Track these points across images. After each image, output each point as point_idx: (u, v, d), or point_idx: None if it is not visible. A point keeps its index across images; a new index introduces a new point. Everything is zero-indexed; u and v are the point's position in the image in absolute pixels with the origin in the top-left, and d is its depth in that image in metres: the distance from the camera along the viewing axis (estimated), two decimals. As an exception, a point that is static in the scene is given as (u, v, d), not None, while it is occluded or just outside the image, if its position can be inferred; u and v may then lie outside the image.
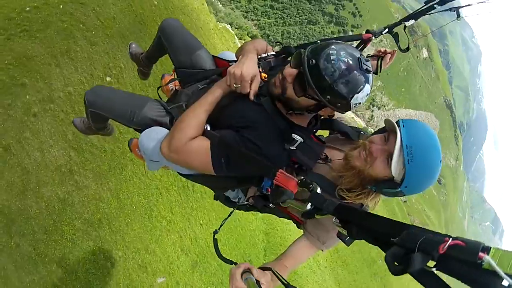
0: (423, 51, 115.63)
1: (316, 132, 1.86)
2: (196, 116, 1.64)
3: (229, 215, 1.92)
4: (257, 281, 1.27)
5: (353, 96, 1.44)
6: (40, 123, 3.95)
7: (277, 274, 1.43)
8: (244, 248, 7.91)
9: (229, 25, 18.82)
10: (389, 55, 2.14)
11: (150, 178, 5.40)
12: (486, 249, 0.70)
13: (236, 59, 2.04)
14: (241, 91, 1.68)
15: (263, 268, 1.43)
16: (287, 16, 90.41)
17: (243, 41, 11.65)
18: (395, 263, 0.83)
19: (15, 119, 3.78)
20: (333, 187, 1.65)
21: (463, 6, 2.23)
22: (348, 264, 16.02)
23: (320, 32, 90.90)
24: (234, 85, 1.66)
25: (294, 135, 1.56)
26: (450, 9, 2.25)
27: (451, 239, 0.75)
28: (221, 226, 1.77)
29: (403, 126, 1.46)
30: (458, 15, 2.27)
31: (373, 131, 1.78)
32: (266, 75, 1.76)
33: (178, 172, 1.96)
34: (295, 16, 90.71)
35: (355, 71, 1.43)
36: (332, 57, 1.41)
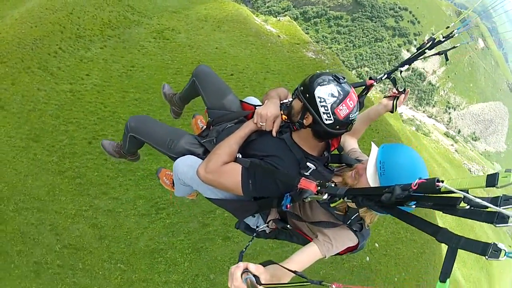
0: (479, 42, 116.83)
1: (327, 164, 2.20)
2: (229, 146, 2.07)
3: (250, 241, 2.23)
4: (256, 277, 1.39)
5: (316, 87, 1.86)
6: None
7: (281, 264, 1.68)
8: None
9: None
10: (404, 95, 2.51)
11: None
12: (441, 181, 1.12)
13: (260, 103, 2.64)
14: (266, 128, 2.13)
15: (264, 264, 1.60)
16: (355, 38, 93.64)
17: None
18: (386, 202, 1.32)
19: None
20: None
21: (450, 49, 2.79)
22: (466, 262, 22.99)
23: (388, 47, 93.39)
24: (260, 123, 2.12)
25: (308, 163, 1.99)
26: (439, 53, 2.83)
27: (418, 179, 1.21)
28: (246, 247, 2.04)
29: (382, 148, 1.84)
30: (447, 59, 2.85)
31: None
32: (286, 117, 2.14)
33: (205, 197, 2.34)
34: (362, 37, 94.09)
35: (326, 75, 1.91)
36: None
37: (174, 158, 2.45)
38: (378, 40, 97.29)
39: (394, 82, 2.76)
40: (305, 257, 1.92)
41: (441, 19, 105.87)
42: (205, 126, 2.82)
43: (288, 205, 1.85)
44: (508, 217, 0.99)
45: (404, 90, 2.62)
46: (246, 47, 18.39)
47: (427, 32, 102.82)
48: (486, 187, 1.04)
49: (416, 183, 1.21)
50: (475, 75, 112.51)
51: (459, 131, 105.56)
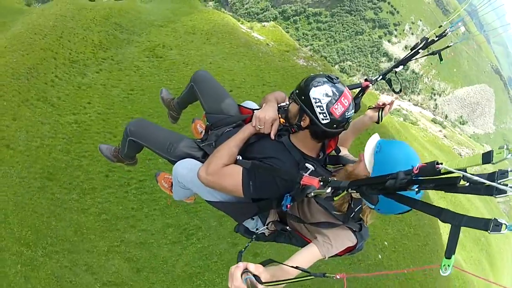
0: (460, 27, 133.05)
1: (325, 166, 2.32)
2: (229, 149, 2.15)
3: (249, 243, 2.36)
4: (256, 276, 1.39)
5: (310, 88, 1.95)
6: None
7: (282, 263, 1.73)
8: None
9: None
10: (388, 106, 2.55)
11: None
12: (440, 163, 1.21)
13: (257, 107, 2.71)
14: (264, 131, 2.21)
15: (264, 264, 1.64)
16: (335, 33, 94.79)
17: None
18: (391, 187, 1.37)
19: None
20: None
21: (443, 49, 2.91)
22: (465, 245, 24.08)
23: (369, 39, 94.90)
24: (259, 126, 2.19)
25: (307, 164, 2.07)
26: (433, 53, 2.93)
27: (418, 165, 1.30)
28: (246, 248, 2.19)
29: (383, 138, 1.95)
30: (441, 59, 2.97)
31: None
32: (284, 120, 2.24)
33: (205, 200, 2.40)
34: (342, 32, 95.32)
35: (320, 76, 2.00)
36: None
37: (173, 162, 2.52)
38: (359, 34, 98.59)
39: (390, 82, 2.91)
40: (305, 258, 1.97)
41: (420, 7, 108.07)
42: (204, 131, 2.90)
43: (288, 205, 1.92)
44: (505, 189, 1.09)
45: (400, 90, 2.82)
46: (239, 59, 18.61)
47: (407, 22, 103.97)
48: (483, 164, 1.16)
49: (417, 167, 1.29)
50: (458, 59, 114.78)
51: (446, 117, 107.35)
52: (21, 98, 10.76)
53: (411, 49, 2.94)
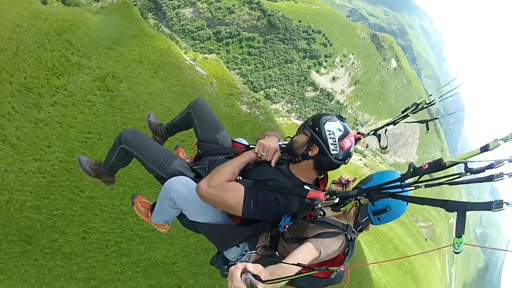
0: (392, 62, 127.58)
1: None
2: (232, 168, 2.37)
3: (241, 257, 2.49)
4: (256, 276, 1.46)
5: (325, 122, 2.31)
6: None
7: (279, 261, 1.87)
8: None
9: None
10: (351, 182, 2.78)
11: None
12: (444, 160, 1.46)
13: (248, 143, 3.05)
14: (266, 158, 2.49)
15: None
16: (265, 60, 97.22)
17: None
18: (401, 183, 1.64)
19: None
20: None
21: (433, 119, 3.47)
22: (388, 270, 29.28)
23: (297, 69, 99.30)
24: (262, 153, 2.48)
25: (305, 187, 2.26)
26: (421, 121, 3.41)
27: (426, 162, 1.52)
28: (236, 261, 2.36)
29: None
30: (428, 128, 3.45)
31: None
32: (281, 154, 2.56)
33: (191, 221, 2.49)
34: (272, 59, 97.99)
35: (331, 115, 2.40)
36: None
37: (162, 178, 2.65)
38: (288, 62, 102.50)
39: (379, 138, 3.40)
40: (302, 255, 2.13)
41: (354, 41, 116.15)
42: (193, 159, 3.08)
43: (287, 225, 2.07)
44: (502, 174, 1.32)
45: (386, 147, 3.55)
46: (187, 101, 19.45)
47: (338, 54, 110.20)
48: (481, 152, 1.45)
49: (425, 163, 1.55)
50: (385, 93, 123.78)
51: (367, 146, 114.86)
52: (-22, 133, 10.55)
53: (402, 112, 3.39)
